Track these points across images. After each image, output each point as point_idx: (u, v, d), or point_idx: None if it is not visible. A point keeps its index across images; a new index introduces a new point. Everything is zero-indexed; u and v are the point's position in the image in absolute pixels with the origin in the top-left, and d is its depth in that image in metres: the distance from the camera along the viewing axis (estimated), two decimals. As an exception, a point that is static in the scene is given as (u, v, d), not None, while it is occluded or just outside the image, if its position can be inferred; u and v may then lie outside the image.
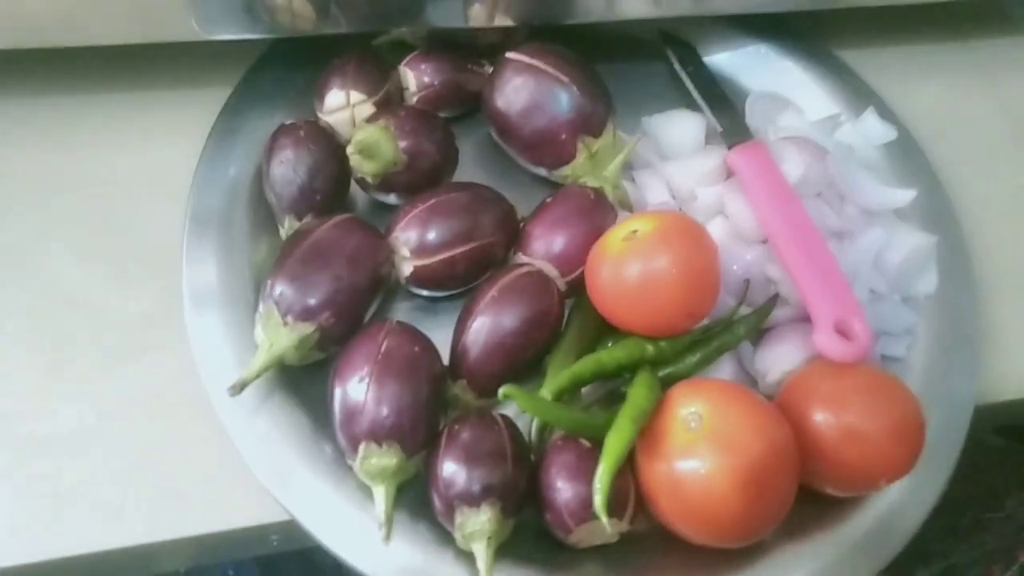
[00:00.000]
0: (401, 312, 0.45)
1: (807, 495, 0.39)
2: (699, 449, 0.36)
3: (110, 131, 0.50)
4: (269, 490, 0.39)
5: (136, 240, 0.46)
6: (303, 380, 0.41)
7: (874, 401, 0.39)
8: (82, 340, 0.43)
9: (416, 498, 0.39)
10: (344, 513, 0.38)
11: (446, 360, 0.41)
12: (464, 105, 0.51)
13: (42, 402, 0.41)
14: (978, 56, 0.61)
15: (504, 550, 0.37)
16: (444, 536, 0.38)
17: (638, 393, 0.39)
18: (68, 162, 0.48)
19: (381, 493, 0.37)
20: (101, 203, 0.47)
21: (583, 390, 0.43)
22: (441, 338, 0.42)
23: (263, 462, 0.39)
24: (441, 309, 0.45)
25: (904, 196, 0.48)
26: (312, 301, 0.39)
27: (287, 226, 0.44)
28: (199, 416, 0.40)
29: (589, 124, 0.46)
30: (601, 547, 0.39)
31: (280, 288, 0.39)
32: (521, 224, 0.46)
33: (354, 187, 0.47)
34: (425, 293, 0.45)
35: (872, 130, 0.53)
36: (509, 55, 0.47)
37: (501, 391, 0.36)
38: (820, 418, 0.39)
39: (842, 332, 0.41)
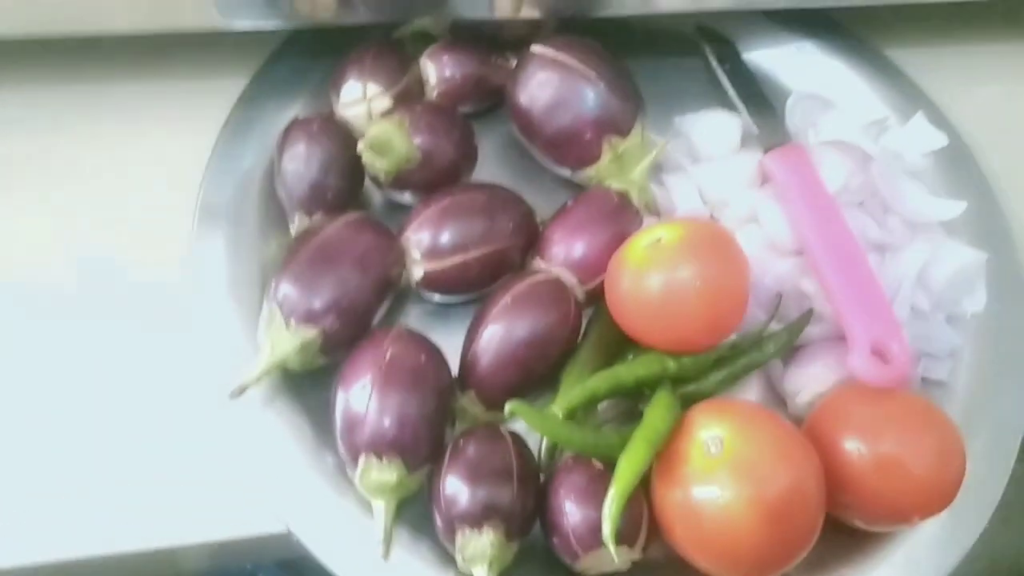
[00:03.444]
0: (412, 317, 0.44)
1: (834, 526, 0.37)
2: (719, 476, 0.34)
3: (126, 120, 0.49)
4: (268, 500, 0.38)
5: (147, 231, 0.45)
6: (308, 386, 0.40)
7: (911, 430, 0.37)
8: (87, 337, 0.42)
9: (420, 514, 0.37)
10: (343, 527, 0.37)
11: (456, 368, 0.40)
12: (487, 100, 0.48)
13: (49, 405, 0.40)
14: (1040, 57, 0.57)
15: (508, 573, 0.36)
16: (446, 557, 0.36)
17: (655, 414, 0.36)
18: (84, 151, 0.47)
19: (381, 508, 0.36)
20: (115, 192, 0.46)
21: (600, 406, 0.41)
22: (453, 345, 0.40)
23: (262, 471, 0.38)
24: (454, 315, 0.43)
25: (953, 208, 0.45)
26: (316, 304, 0.38)
27: (297, 223, 0.42)
28: (204, 419, 0.39)
29: (616, 123, 0.44)
30: (611, 575, 0.37)
31: (284, 289, 0.38)
32: (541, 227, 0.44)
33: (370, 185, 0.45)
34: (437, 298, 0.43)
35: (921, 136, 0.49)
36: (534, 48, 0.45)
37: (508, 407, 0.35)
38: (852, 446, 0.36)
39: (879, 354, 0.38)
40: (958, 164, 0.50)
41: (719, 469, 0.34)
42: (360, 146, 0.40)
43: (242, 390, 0.37)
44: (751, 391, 0.42)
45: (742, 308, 0.38)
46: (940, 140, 0.49)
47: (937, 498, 0.36)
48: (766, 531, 0.33)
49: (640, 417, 0.37)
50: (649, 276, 0.37)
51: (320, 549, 0.36)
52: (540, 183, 0.47)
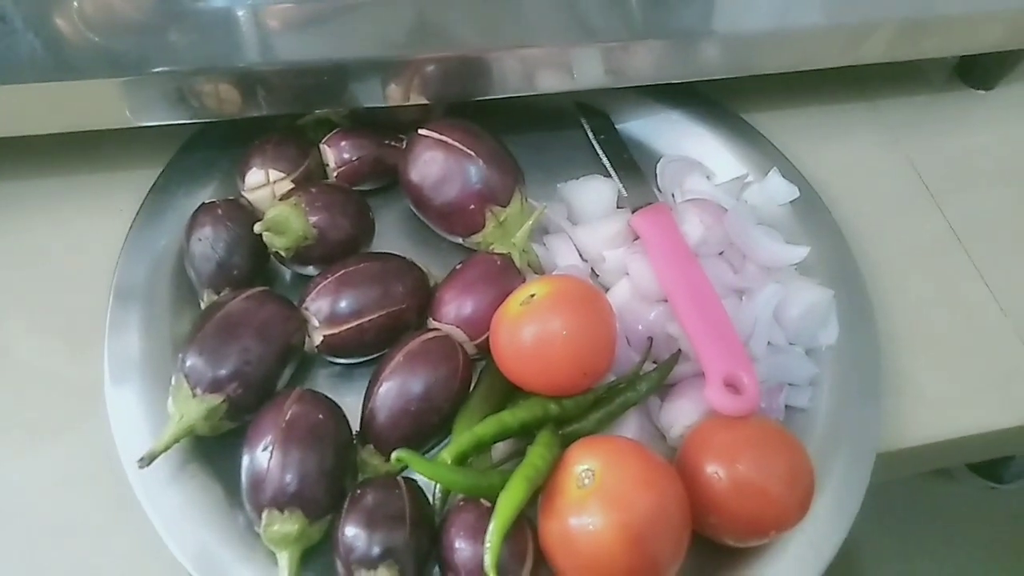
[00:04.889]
0: (320, 378, 0.47)
1: (708, 545, 0.41)
2: (590, 505, 0.38)
3: (46, 212, 0.52)
4: (184, 561, 0.40)
5: (66, 315, 0.48)
6: (218, 450, 0.43)
7: (763, 452, 0.41)
8: (5, 412, 0.44)
9: (326, 564, 0.40)
10: (252, 582, 0.39)
11: (358, 425, 0.43)
12: (385, 178, 0.53)
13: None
14: (883, 115, 0.65)
15: (408, 613, 0.38)
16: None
17: (535, 452, 0.40)
18: (5, 243, 0.50)
19: (285, 559, 0.38)
20: (35, 281, 0.49)
21: (499, 448, 0.44)
22: (359, 404, 0.43)
23: (176, 535, 0.40)
24: (359, 375, 0.47)
25: (799, 253, 0.51)
26: (221, 372, 0.41)
27: (206, 300, 0.46)
28: (116, 490, 0.42)
29: (496, 194, 0.49)
30: (505, 606, 0.40)
31: (191, 360, 0.41)
32: (435, 290, 0.48)
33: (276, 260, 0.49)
34: (340, 360, 0.46)
35: (776, 190, 0.55)
36: (421, 131, 0.50)
37: (394, 455, 0.38)
38: (712, 470, 0.40)
39: (732, 386, 0.43)
40: (812, 213, 0.55)
41: (590, 499, 0.38)
42: (257, 228, 0.44)
43: (151, 458, 0.40)
44: (629, 428, 0.46)
45: (609, 352, 0.43)
46: (793, 192, 0.55)
47: (790, 513, 0.40)
48: (633, 553, 0.37)
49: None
50: (523, 328, 0.42)
51: (231, 603, 0.38)
52: (436, 249, 0.52)
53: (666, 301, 0.48)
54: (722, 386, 0.43)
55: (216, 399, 0.41)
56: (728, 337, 0.44)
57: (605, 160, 0.56)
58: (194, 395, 0.41)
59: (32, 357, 0.47)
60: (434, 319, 0.46)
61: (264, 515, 0.38)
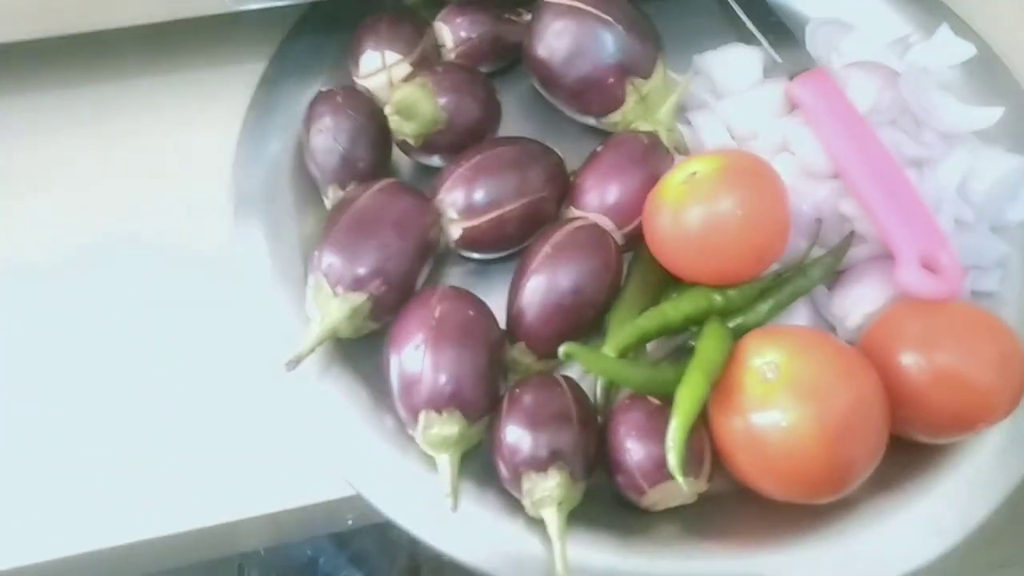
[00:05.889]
0: (454, 277, 0.44)
1: (895, 443, 0.37)
2: (778, 400, 0.34)
3: (148, 115, 0.49)
4: (333, 466, 0.38)
5: (183, 224, 0.46)
6: (360, 352, 0.40)
7: (968, 339, 0.36)
8: (138, 327, 0.43)
9: (482, 466, 0.38)
10: (409, 485, 0.37)
11: (503, 323, 0.40)
12: (505, 57, 0.48)
13: (107, 388, 0.41)
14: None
15: (576, 516, 0.36)
16: (514, 504, 0.37)
17: (708, 344, 0.37)
18: (109, 149, 0.48)
19: (445, 462, 0.36)
20: (145, 189, 0.47)
21: (649, 347, 0.41)
22: (497, 302, 0.40)
23: (325, 438, 0.39)
24: (494, 271, 0.43)
25: (988, 116, 0.44)
26: (361, 270, 0.38)
27: (331, 196, 0.43)
28: (260, 395, 0.40)
29: (637, 66, 0.43)
30: (678, 509, 0.37)
31: (328, 259, 0.38)
32: (571, 177, 0.44)
33: (397, 152, 0.45)
34: (477, 256, 0.43)
35: (948, 48, 0.48)
36: (548, -1, 0.44)
37: (561, 350, 0.35)
38: (910, 360, 0.36)
39: (928, 267, 0.38)
40: (989, 72, 0.49)
41: (777, 393, 0.34)
42: (387, 110, 0.40)
43: (297, 361, 0.37)
44: (799, 319, 0.41)
45: (785, 234, 0.38)
46: (967, 50, 0.48)
47: (1001, 404, 0.36)
48: (831, 450, 0.33)
49: (690, 354, 0.37)
50: (688, 210, 0.37)
51: (389, 507, 0.37)
52: (566, 134, 0.47)
53: (836, 177, 0.42)
54: (918, 267, 0.38)
55: (359, 297, 0.38)
56: (918, 213, 0.39)
57: (750, 24, 0.49)
58: (335, 294, 0.38)
59: (151, 270, 0.44)
60: (576, 208, 0.42)
61: (421, 417, 0.36)
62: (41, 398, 0.41)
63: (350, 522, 0.41)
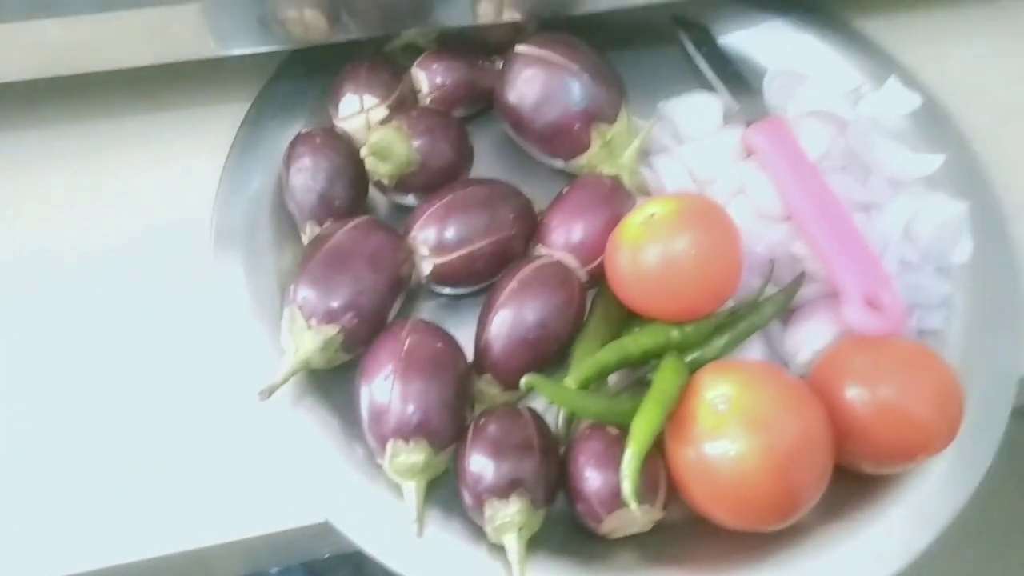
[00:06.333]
0: (424, 311, 0.46)
1: (844, 474, 0.39)
2: (728, 431, 0.36)
3: (134, 152, 0.51)
4: (304, 493, 0.39)
5: (166, 257, 0.47)
6: (332, 383, 0.42)
7: (909, 373, 0.38)
8: (115, 354, 0.44)
9: (449, 494, 0.39)
10: (378, 512, 0.39)
11: (470, 356, 0.42)
12: (478, 102, 0.51)
13: (79, 414, 0.42)
14: (1007, 15, 0.59)
15: (536, 542, 0.37)
16: (478, 531, 0.38)
17: (664, 377, 0.38)
18: (96, 183, 0.50)
19: (411, 489, 0.38)
20: (129, 220, 0.49)
21: (611, 379, 0.42)
22: (465, 335, 0.42)
23: (296, 466, 0.40)
24: (464, 306, 0.45)
25: (931, 162, 0.47)
26: (334, 303, 0.40)
27: (308, 232, 0.45)
28: (235, 423, 0.41)
29: (602, 112, 0.46)
30: (635, 536, 0.39)
31: (303, 292, 0.40)
32: (539, 217, 0.46)
33: (373, 191, 0.47)
34: (447, 291, 0.45)
35: (896, 98, 0.51)
36: (518, 48, 0.47)
37: (523, 381, 0.37)
38: (854, 393, 0.38)
39: (872, 305, 0.40)
40: (935, 122, 0.51)
41: (728, 424, 0.36)
42: (363, 152, 0.42)
43: (271, 391, 0.39)
44: (754, 354, 0.43)
45: (737, 272, 0.40)
46: (914, 101, 0.51)
47: (939, 436, 0.38)
48: (778, 479, 0.35)
49: (648, 387, 0.39)
50: (646, 250, 0.39)
51: (356, 534, 0.38)
52: (535, 176, 0.49)
53: (788, 220, 0.45)
54: (862, 304, 0.40)
55: (331, 329, 0.39)
56: (863, 253, 0.41)
57: (710, 74, 0.52)
58: (309, 326, 0.40)
59: (135, 300, 0.46)
60: (542, 246, 0.44)
61: (388, 446, 0.38)
62: (14, 427, 0.42)
63: (327, 555, 0.42)
